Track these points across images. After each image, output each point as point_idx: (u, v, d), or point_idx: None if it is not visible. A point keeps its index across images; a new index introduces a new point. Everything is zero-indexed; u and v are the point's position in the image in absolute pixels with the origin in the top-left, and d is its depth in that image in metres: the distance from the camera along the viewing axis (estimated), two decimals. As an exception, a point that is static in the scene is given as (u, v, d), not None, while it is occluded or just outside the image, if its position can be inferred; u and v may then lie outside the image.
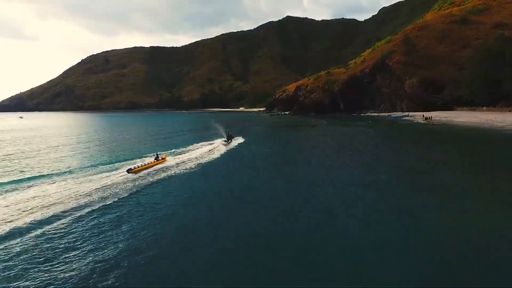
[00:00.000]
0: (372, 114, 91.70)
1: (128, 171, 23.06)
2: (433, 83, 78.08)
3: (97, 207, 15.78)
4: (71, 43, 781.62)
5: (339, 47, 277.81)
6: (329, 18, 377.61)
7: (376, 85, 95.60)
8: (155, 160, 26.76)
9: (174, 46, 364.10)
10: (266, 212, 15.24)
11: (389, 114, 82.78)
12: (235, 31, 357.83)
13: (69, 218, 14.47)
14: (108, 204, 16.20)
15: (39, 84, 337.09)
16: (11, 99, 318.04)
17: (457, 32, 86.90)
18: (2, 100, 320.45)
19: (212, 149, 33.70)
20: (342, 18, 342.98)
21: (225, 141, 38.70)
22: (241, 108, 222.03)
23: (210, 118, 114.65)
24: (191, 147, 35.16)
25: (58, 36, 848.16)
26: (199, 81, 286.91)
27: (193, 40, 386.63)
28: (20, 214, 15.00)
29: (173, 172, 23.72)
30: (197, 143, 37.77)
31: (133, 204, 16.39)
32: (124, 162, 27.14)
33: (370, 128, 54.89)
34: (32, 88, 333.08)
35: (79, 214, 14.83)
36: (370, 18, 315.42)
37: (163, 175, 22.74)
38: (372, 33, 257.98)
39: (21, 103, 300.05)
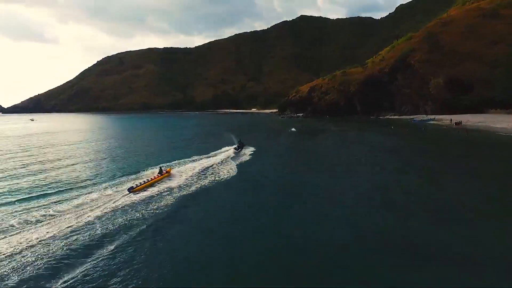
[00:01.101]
0: (393, 117, 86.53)
1: (130, 190, 20.55)
2: (460, 83, 72.43)
3: (98, 250, 12.78)
4: (89, 46, 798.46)
5: (355, 46, 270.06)
6: (343, 17, 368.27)
7: (397, 86, 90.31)
8: (159, 174, 23.97)
9: (188, 47, 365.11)
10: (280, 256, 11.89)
11: (411, 117, 77.50)
12: (248, 31, 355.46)
13: (64, 264, 11.65)
14: (113, 245, 13.22)
15: (56, 86, 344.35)
16: (30, 100, 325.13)
17: (486, 27, 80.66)
18: (22, 101, 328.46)
19: (221, 160, 30.47)
20: (357, 16, 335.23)
21: (235, 149, 35.70)
22: (253, 109, 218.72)
23: (220, 122, 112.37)
24: (198, 156, 32.01)
25: (77, 39, 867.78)
26: (212, 81, 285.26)
27: (207, 41, 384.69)
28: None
29: (178, 191, 20.84)
30: (206, 152, 34.57)
31: (137, 239, 13.79)
32: (125, 178, 24.54)
33: (396, 136, 48.59)
34: (49, 90, 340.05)
35: (76, 261, 11.80)
36: (386, 16, 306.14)
37: (167, 196, 19.86)
38: (389, 32, 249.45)
39: (39, 105, 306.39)
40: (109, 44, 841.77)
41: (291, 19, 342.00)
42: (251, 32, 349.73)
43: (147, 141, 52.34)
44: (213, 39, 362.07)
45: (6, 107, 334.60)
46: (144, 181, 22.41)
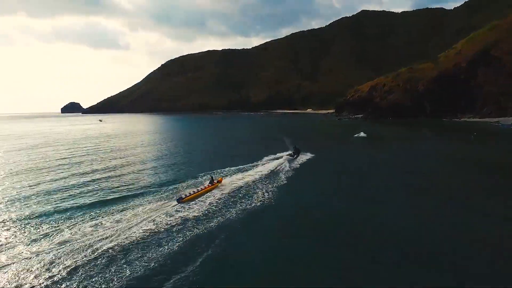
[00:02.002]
0: (471, 119, 75.31)
1: (179, 200, 19.54)
2: None
3: (149, 266, 11.92)
4: (156, 50, 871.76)
5: (423, 40, 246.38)
6: (410, 10, 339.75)
7: (477, 83, 78.75)
8: (210, 184, 22.64)
9: (246, 48, 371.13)
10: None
11: (496, 120, 66.24)
12: (305, 29, 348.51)
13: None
14: (163, 262, 12.34)
15: (125, 88, 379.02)
16: (104, 102, 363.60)
17: None
18: (97, 103, 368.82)
19: (275, 168, 28.24)
20: (426, 8, 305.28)
21: (290, 155, 33.25)
22: (309, 110, 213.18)
23: (274, 123, 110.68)
24: (251, 164, 30.06)
25: (145, 44, 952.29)
26: (267, 82, 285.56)
27: (264, 42, 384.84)
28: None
29: (228, 205, 19.19)
30: (259, 158, 32.52)
31: (187, 256, 12.86)
32: (174, 186, 23.61)
33: (482, 148, 39.39)
34: (120, 92, 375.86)
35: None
36: (461, 5, 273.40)
37: (217, 210, 18.44)
38: (464, 23, 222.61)
39: (110, 106, 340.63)
40: (172, 48, 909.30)
41: (351, 15, 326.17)
42: (308, 30, 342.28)
43: (199, 145, 51.41)
44: (270, 40, 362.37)
45: (85, 108, 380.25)
46: (194, 191, 21.25)
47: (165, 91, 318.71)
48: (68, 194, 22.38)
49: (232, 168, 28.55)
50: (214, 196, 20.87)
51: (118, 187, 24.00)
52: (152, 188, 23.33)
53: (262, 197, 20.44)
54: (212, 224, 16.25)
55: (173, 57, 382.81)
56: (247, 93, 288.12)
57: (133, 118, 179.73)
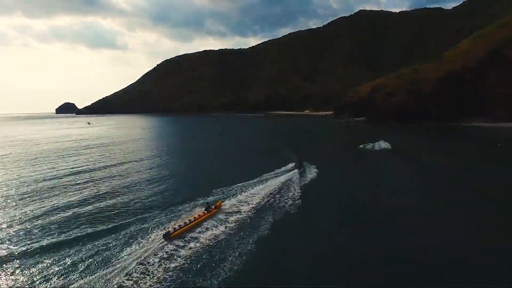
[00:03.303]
0: (482, 124, 71.30)
1: (166, 236, 15.28)
2: None
3: None
4: (154, 50, 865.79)
5: (422, 41, 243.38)
6: (408, 9, 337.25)
7: (487, 84, 75.01)
8: (205, 211, 18.25)
9: (243, 48, 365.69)
10: None
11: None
12: (303, 30, 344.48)
13: None
14: None
15: (121, 88, 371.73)
16: (99, 102, 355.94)
17: None
18: (92, 103, 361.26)
19: (281, 188, 23.97)
20: (424, 8, 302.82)
21: (297, 168, 29.57)
22: (306, 111, 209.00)
23: (273, 127, 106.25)
24: (254, 181, 25.63)
25: (143, 44, 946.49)
26: (265, 82, 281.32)
27: (261, 42, 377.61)
28: None
29: (230, 240, 15.40)
30: (262, 173, 28.04)
31: None
32: (161, 216, 18.73)
33: None
34: (116, 92, 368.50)
35: None
36: (460, 4, 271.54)
37: (216, 248, 14.58)
38: (465, 22, 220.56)
39: (106, 106, 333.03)
40: (170, 48, 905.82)
41: (349, 15, 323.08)
42: (306, 30, 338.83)
43: (191, 157, 42.63)
44: (267, 40, 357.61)
45: (79, 108, 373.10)
46: (186, 222, 16.89)
47: (161, 91, 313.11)
48: (13, 233, 16.71)
49: (232, 187, 24.02)
50: (211, 229, 16.73)
51: (81, 221, 18.24)
52: (130, 220, 18.27)
53: (269, 229, 16.30)
54: (207, 272, 12.26)
55: (170, 57, 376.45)
56: (245, 93, 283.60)
57: (125, 120, 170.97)
